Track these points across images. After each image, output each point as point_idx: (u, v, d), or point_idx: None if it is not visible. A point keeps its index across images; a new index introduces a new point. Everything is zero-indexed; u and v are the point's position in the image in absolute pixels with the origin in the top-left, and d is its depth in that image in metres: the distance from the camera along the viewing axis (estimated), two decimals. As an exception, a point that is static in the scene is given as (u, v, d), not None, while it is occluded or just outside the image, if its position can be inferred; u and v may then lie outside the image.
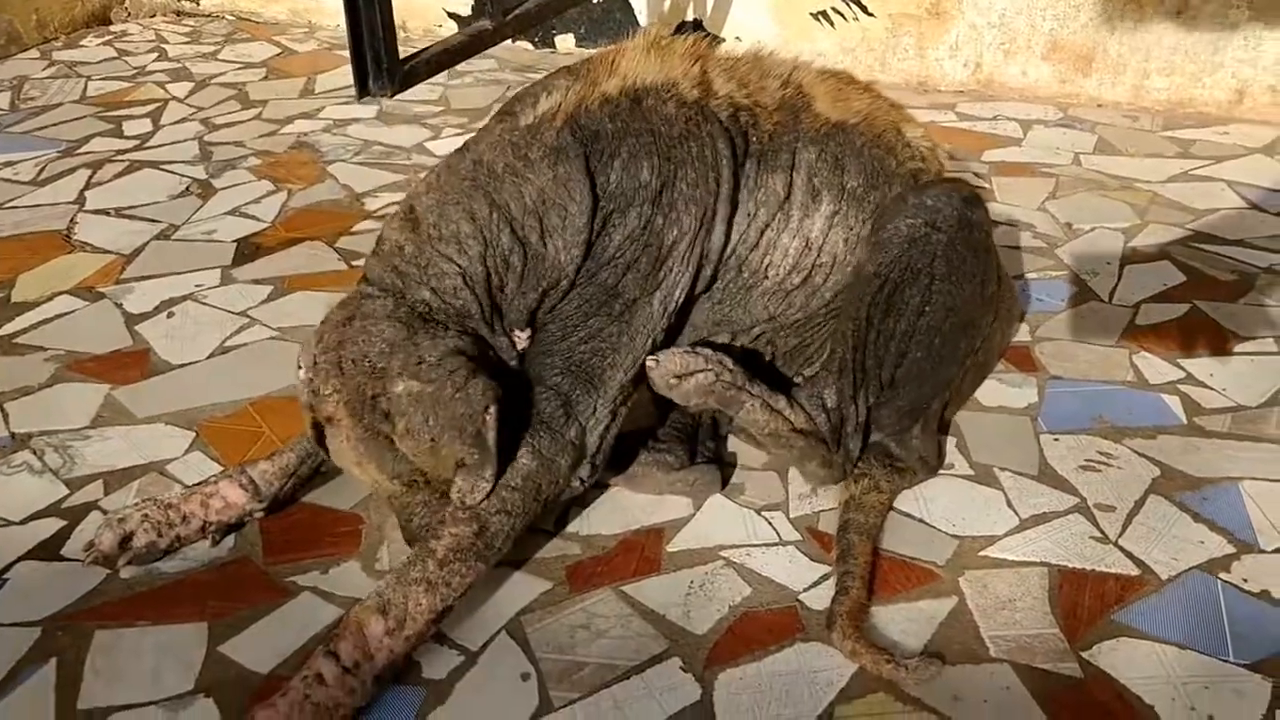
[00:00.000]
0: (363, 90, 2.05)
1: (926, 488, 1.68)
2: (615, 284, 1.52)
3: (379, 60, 2.01)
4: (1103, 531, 1.59)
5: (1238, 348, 2.01)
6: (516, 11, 2.33)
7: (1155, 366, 1.96)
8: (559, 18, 3.25)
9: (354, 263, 2.32)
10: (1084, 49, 2.97)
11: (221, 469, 1.73)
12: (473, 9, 3.54)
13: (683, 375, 1.53)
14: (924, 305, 1.58)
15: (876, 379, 1.62)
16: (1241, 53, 2.84)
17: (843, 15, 3.15)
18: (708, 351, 1.55)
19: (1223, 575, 1.52)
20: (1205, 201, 2.51)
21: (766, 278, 1.65)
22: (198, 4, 3.93)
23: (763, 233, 1.63)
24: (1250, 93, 2.87)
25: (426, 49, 2.17)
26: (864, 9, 3.14)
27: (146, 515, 1.55)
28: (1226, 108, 2.90)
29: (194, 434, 1.83)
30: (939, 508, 1.64)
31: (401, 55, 2.09)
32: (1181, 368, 1.96)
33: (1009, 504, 1.65)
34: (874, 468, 1.64)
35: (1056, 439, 1.79)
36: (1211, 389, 1.90)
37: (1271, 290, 2.17)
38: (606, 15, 3.23)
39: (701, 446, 1.71)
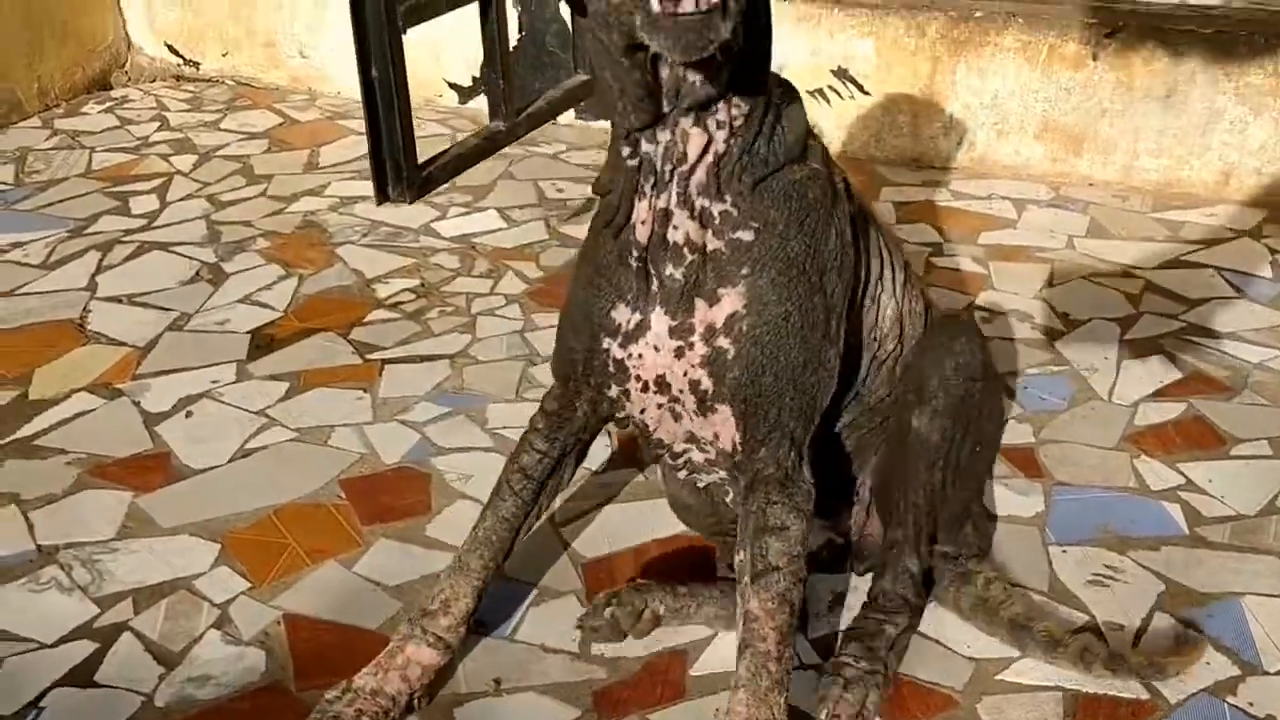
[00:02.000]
0: (382, 197, 2.09)
1: (941, 605, 1.72)
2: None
3: (399, 169, 2.06)
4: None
5: (1234, 450, 2.07)
6: (529, 110, 2.38)
7: (1156, 471, 2.02)
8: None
9: (368, 356, 2.36)
10: (1075, 130, 3.04)
11: (249, 585, 1.77)
12: (473, 80, 3.58)
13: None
14: (974, 446, 1.64)
15: (948, 515, 1.66)
16: (1228, 136, 2.92)
17: (839, 93, 3.21)
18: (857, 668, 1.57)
19: (1229, 699, 1.57)
20: (1197, 290, 2.57)
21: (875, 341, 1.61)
22: (197, 69, 3.96)
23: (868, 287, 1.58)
24: (1237, 175, 2.94)
25: (443, 153, 2.22)
26: (860, 87, 3.20)
27: (361, 711, 1.50)
28: (1214, 189, 2.97)
29: (219, 546, 1.86)
30: (953, 627, 1.69)
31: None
32: (1181, 472, 2.02)
33: (1021, 623, 1.70)
34: (969, 571, 1.69)
35: (1064, 551, 1.84)
36: (1211, 496, 1.96)
37: (1264, 388, 2.23)
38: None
39: None
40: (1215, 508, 1.94)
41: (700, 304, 1.35)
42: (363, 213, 2.97)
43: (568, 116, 3.49)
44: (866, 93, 3.20)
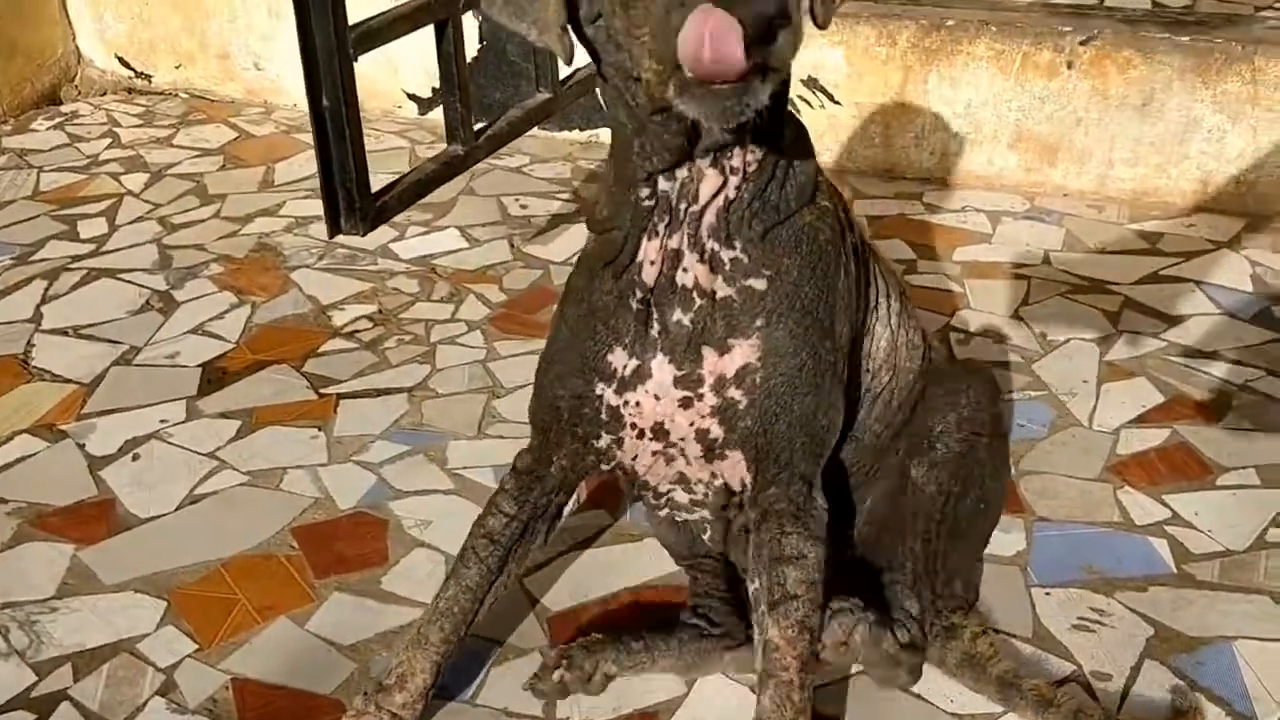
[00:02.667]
0: (334, 229, 2.00)
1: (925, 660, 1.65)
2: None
3: (351, 200, 1.97)
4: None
5: (1220, 480, 2.01)
6: (489, 133, 2.29)
7: (1140, 504, 1.95)
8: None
9: (323, 390, 2.27)
10: (1050, 139, 2.97)
11: (196, 646, 1.68)
12: (433, 91, 3.49)
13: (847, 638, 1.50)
14: (977, 504, 1.61)
15: (943, 570, 1.61)
16: (1206, 145, 2.85)
17: (809, 103, 3.13)
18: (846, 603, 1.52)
19: (1223, 755, 1.51)
20: (1177, 306, 2.51)
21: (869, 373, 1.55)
22: (150, 82, 3.84)
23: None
24: (1214, 183, 2.88)
25: (399, 181, 2.13)
26: (830, 97, 3.12)
27: None
28: (1192, 199, 2.91)
29: (165, 603, 1.77)
30: (936, 682, 1.62)
31: (374, 184, 2.05)
32: (1166, 505, 1.95)
33: (1005, 675, 1.63)
34: (955, 624, 1.62)
35: (1048, 593, 1.77)
36: (1198, 530, 1.90)
37: (1249, 411, 2.17)
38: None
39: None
40: (1203, 543, 1.87)
41: (709, 353, 1.28)
42: (318, 234, 2.87)
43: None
44: (837, 102, 3.13)
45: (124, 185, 3.17)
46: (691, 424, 1.32)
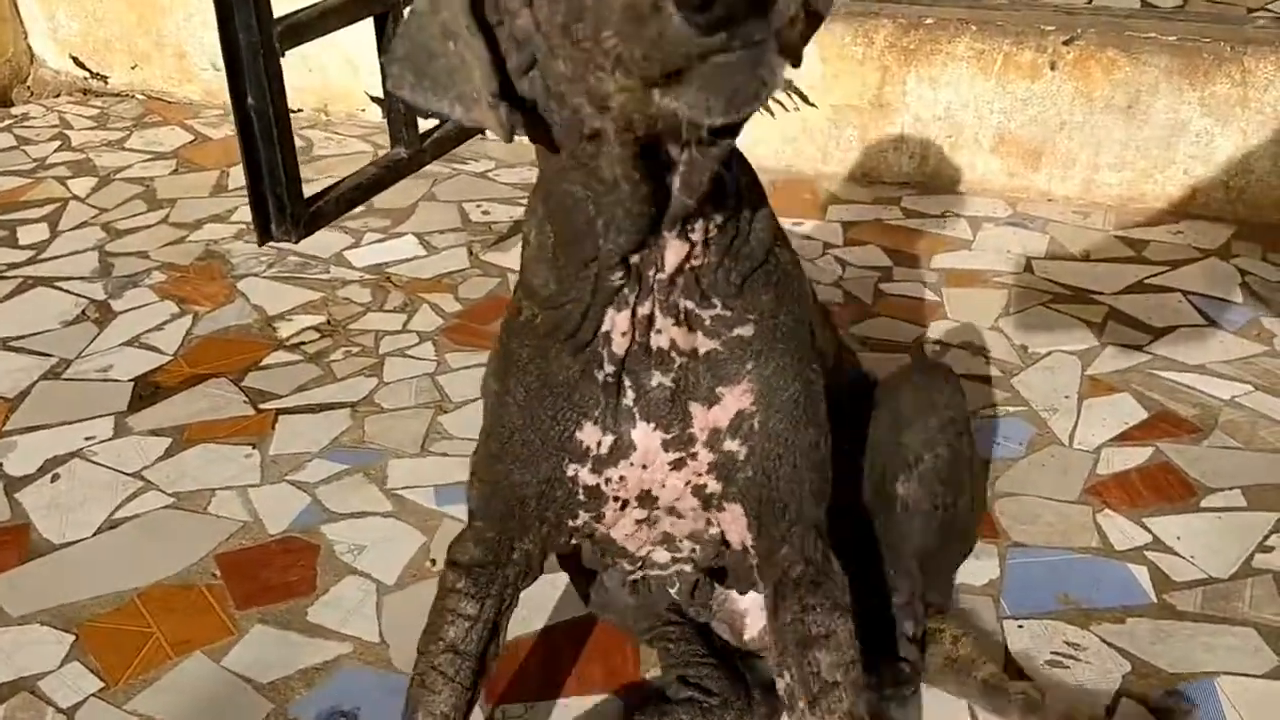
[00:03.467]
0: (265, 237, 1.89)
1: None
2: None
3: (281, 206, 1.86)
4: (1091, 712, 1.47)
5: (1204, 502, 1.89)
6: (435, 136, 2.17)
7: (1120, 528, 1.84)
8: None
9: (261, 405, 2.15)
10: (1032, 143, 2.86)
11: (102, 685, 1.56)
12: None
13: None
14: (970, 501, 1.54)
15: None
16: (1193, 149, 2.74)
17: (783, 105, 3.01)
18: None
19: (1205, 807, 1.39)
20: (1162, 318, 2.39)
21: None
22: (105, 83, 3.73)
23: None
24: (1202, 189, 2.77)
25: (336, 185, 2.01)
26: (804, 99, 3.00)
27: None
28: (1179, 204, 2.80)
29: (73, 638, 1.65)
30: (900, 723, 1.50)
31: (310, 192, 1.94)
32: (1147, 529, 1.83)
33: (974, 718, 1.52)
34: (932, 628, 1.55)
35: (1020, 625, 1.65)
36: (1180, 556, 1.78)
37: (1235, 429, 2.06)
38: (536, 103, 3.09)
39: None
40: (1185, 570, 1.76)
41: (697, 408, 1.14)
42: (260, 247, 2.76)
43: (497, 131, 3.29)
44: (812, 104, 2.99)
45: (70, 189, 3.05)
46: (687, 483, 1.18)
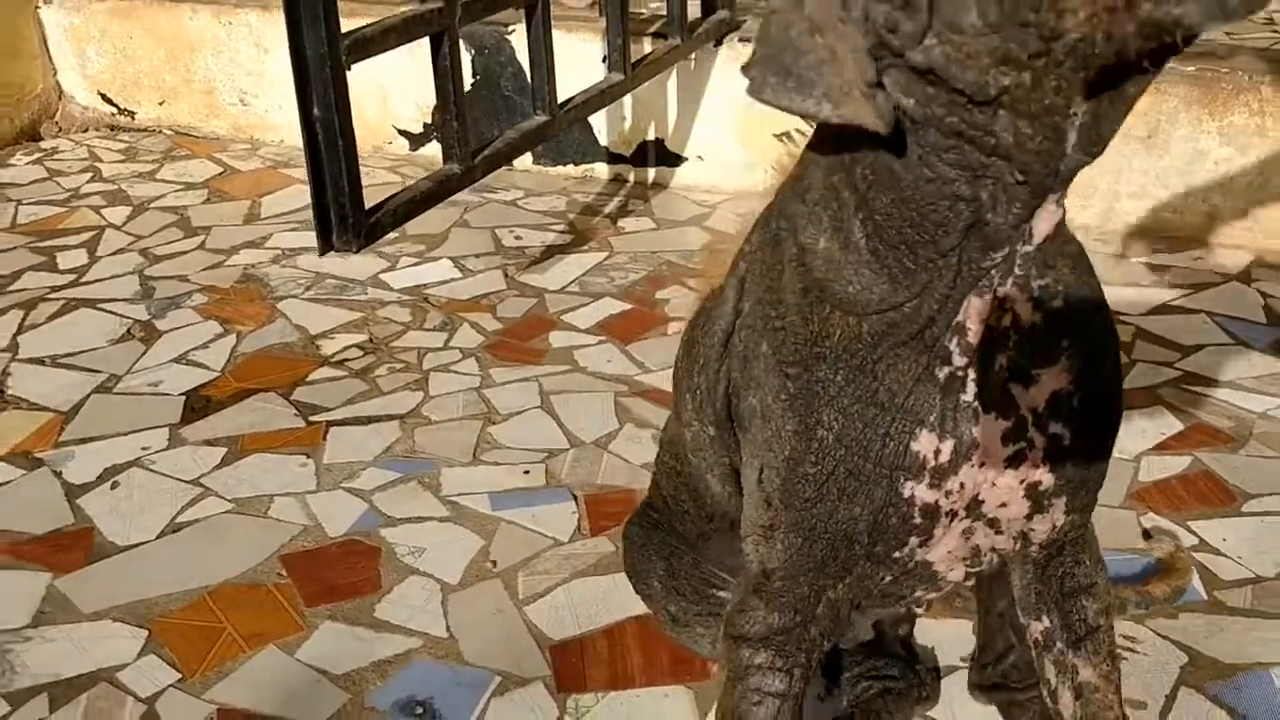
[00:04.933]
0: (326, 246, 1.93)
1: (948, 694, 1.56)
2: None
3: (343, 215, 1.90)
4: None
5: (1245, 506, 1.94)
6: (485, 153, 2.22)
7: (1165, 529, 1.88)
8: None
9: (311, 418, 2.18)
10: (1053, 172, 2.92)
11: (179, 676, 1.58)
12: (424, 127, 3.44)
13: None
14: None
15: None
16: (1213, 177, 2.81)
17: (804, 135, 3.08)
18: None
19: (1272, 786, 1.42)
20: (1190, 337, 2.45)
21: None
22: (133, 119, 3.78)
23: None
24: (1222, 217, 2.84)
25: (393, 198, 2.06)
26: (828, 130, 3.07)
27: None
28: (1199, 232, 2.86)
29: (146, 632, 1.67)
30: (966, 712, 1.53)
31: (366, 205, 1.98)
32: (1194, 532, 1.88)
33: (1037, 704, 1.54)
34: None
35: (1076, 621, 1.69)
36: (1227, 557, 1.82)
37: (1271, 439, 2.10)
38: (566, 134, 3.14)
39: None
40: (1233, 569, 1.79)
41: (1018, 391, 1.04)
42: (306, 265, 2.80)
43: (524, 161, 3.35)
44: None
45: (105, 218, 3.09)
46: (1021, 481, 1.09)
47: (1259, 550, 1.83)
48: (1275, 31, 4.01)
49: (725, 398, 1.18)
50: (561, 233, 2.99)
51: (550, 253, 2.87)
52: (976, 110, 0.84)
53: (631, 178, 3.33)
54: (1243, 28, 4.03)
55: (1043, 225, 0.93)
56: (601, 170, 3.35)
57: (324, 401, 2.24)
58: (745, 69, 0.90)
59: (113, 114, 3.80)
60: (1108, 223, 2.93)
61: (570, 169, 3.37)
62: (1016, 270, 0.96)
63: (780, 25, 0.87)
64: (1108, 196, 2.90)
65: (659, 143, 3.26)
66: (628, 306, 2.59)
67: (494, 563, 1.81)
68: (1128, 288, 2.67)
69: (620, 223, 3.06)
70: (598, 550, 1.84)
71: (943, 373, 1.01)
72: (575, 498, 1.96)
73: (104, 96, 3.80)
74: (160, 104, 3.74)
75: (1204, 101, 2.76)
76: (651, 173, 3.31)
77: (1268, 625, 1.68)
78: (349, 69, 1.86)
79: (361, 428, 2.16)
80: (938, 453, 1.03)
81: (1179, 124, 2.79)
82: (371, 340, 2.46)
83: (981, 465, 1.04)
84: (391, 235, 2.74)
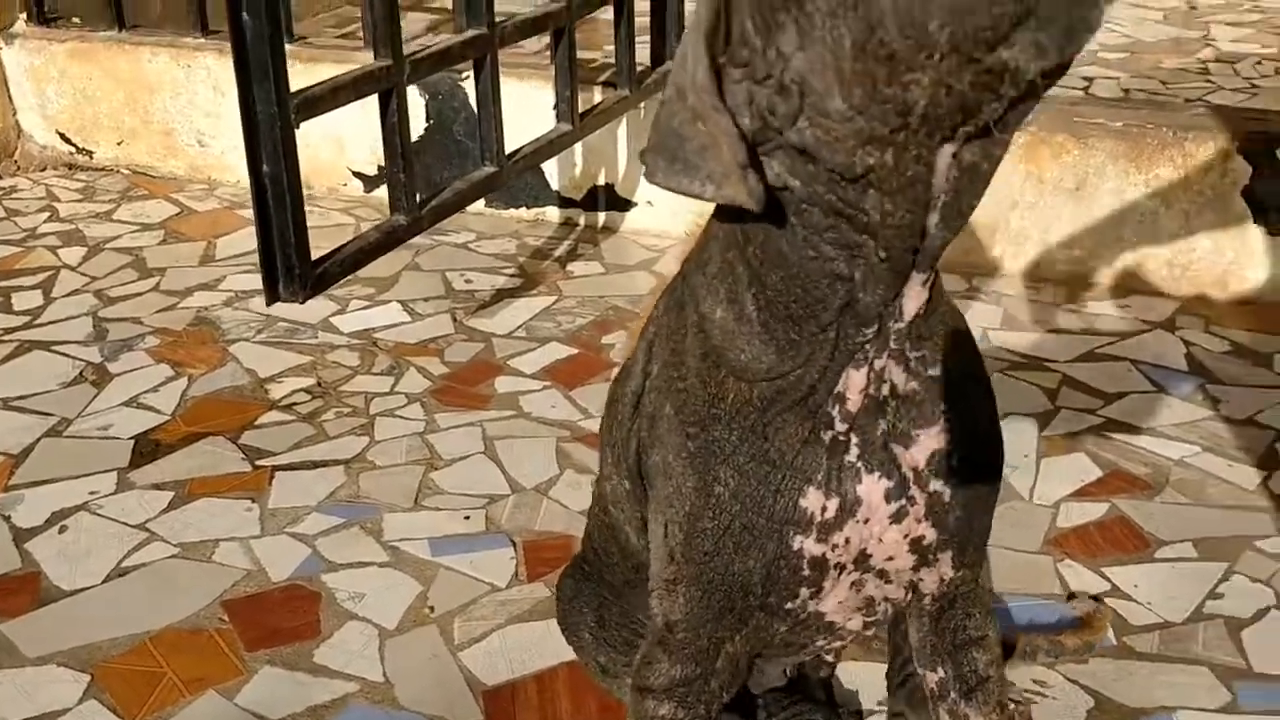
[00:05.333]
0: (273, 297, 1.98)
1: None
2: None
3: (290, 267, 1.95)
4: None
5: (1159, 553, 2.02)
6: (433, 204, 2.29)
7: (1081, 576, 1.95)
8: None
9: (258, 462, 2.23)
10: (987, 221, 3.02)
11: (119, 721, 1.63)
12: (378, 169, 3.50)
13: None
14: None
15: None
16: (1139, 228, 2.91)
17: (751, 183, 3.16)
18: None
19: (1166, 827, 1.49)
20: (1114, 384, 2.54)
21: None
22: (91, 158, 3.82)
23: None
24: (1148, 266, 2.94)
25: (340, 249, 2.12)
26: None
27: None
28: (1126, 281, 2.96)
29: (89, 677, 1.71)
30: None
31: (314, 255, 2.04)
32: (1106, 577, 1.95)
33: (947, 747, 1.61)
34: None
35: (989, 665, 1.76)
36: (1138, 603, 1.90)
37: (1186, 486, 2.19)
38: (519, 179, 3.21)
39: None
40: (1142, 615, 1.87)
41: (899, 451, 1.12)
42: (259, 308, 2.85)
43: (477, 205, 3.41)
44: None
45: (61, 259, 3.13)
46: (905, 535, 1.15)
47: (1169, 596, 1.91)
48: (1210, 82, 4.13)
49: (636, 455, 1.25)
50: (512, 276, 3.06)
51: (500, 296, 2.93)
52: (850, 187, 0.90)
53: (582, 222, 3.40)
54: (1178, 77, 4.16)
55: (911, 304, 1.01)
56: (553, 214, 3.42)
57: (271, 446, 2.29)
58: (641, 155, 0.99)
59: (71, 153, 3.84)
60: (1039, 271, 3.02)
61: (523, 212, 3.44)
62: (891, 344, 1.05)
63: (668, 115, 0.95)
64: (1039, 246, 3.00)
65: (609, 188, 3.34)
66: (574, 351, 2.66)
67: (432, 608, 1.87)
68: (1056, 335, 2.76)
69: (569, 267, 3.13)
70: (534, 596, 1.89)
71: (827, 435, 1.08)
72: (514, 544, 2.01)
73: (63, 136, 3.84)
74: (119, 144, 3.79)
75: (1130, 155, 2.86)
76: (602, 217, 3.38)
77: (1173, 670, 1.76)
78: (298, 127, 1.92)
79: (307, 472, 2.21)
80: (824, 509, 1.10)
81: (1106, 177, 2.89)
82: (320, 384, 2.52)
83: (866, 521, 1.11)
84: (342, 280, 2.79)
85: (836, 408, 1.07)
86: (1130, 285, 2.96)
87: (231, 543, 2.01)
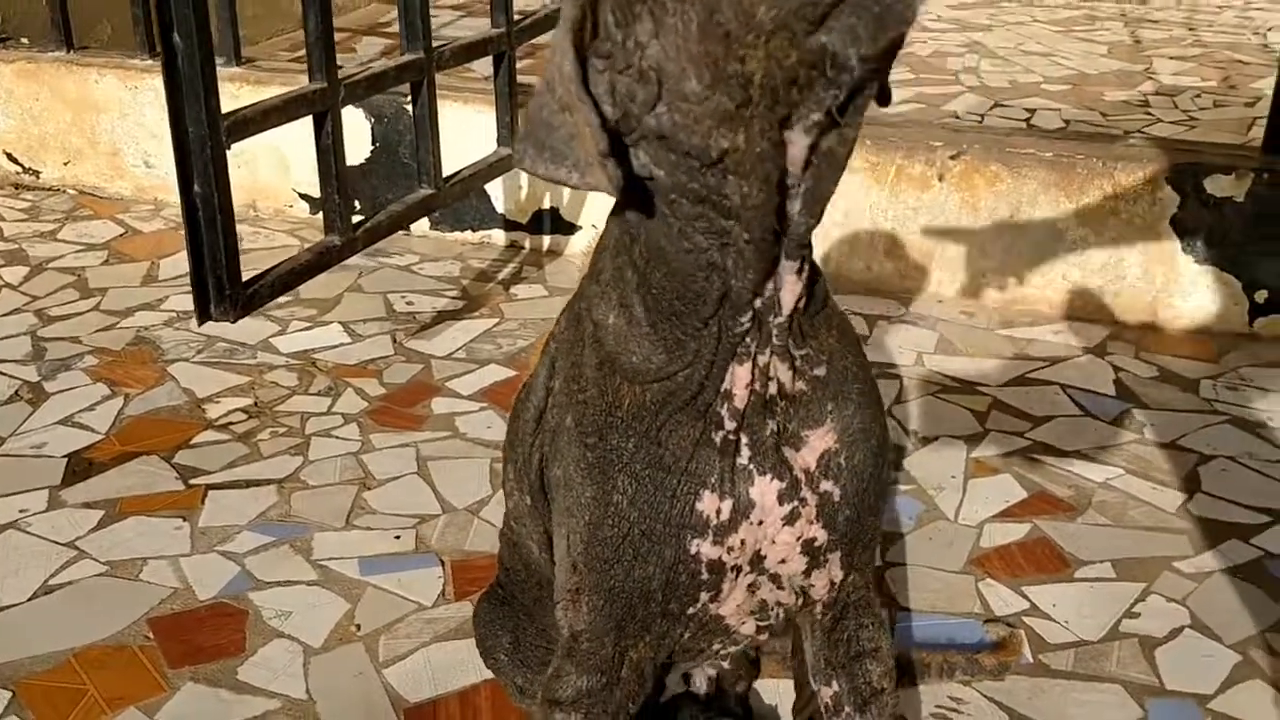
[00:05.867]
0: (204, 317, 2.00)
1: (779, 747, 1.66)
2: None
3: (221, 287, 1.97)
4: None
5: (1078, 573, 2.06)
6: (367, 225, 2.31)
7: (1000, 595, 1.99)
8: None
9: (191, 481, 2.24)
10: (924, 248, 3.07)
11: (38, 738, 1.63)
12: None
13: None
14: None
15: None
16: (1070, 256, 2.97)
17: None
18: None
19: (1071, 840, 1.52)
20: (1042, 408, 2.58)
21: None
22: (38, 178, 3.82)
23: None
24: (1079, 293, 2.99)
25: (271, 270, 2.13)
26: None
27: None
28: (1058, 306, 3.01)
29: (10, 694, 1.71)
30: (791, 769, 1.62)
31: (246, 275, 2.05)
32: (1025, 596, 1.99)
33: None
34: None
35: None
36: (1055, 621, 1.93)
37: (1107, 508, 2.23)
38: (464, 201, 3.23)
39: None
40: (1059, 634, 1.91)
41: (790, 454, 1.15)
42: (199, 328, 2.85)
43: (421, 227, 3.44)
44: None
45: (2, 278, 3.13)
46: (798, 537, 1.17)
47: (1084, 615, 1.95)
48: (1149, 114, 4.21)
49: (539, 470, 1.28)
50: (454, 299, 3.08)
51: (441, 318, 2.95)
52: (709, 173, 0.95)
53: (527, 245, 3.43)
54: (1118, 110, 4.24)
55: (788, 296, 1.06)
56: (498, 237, 3.45)
57: (205, 465, 2.30)
58: (514, 142, 1.05)
59: (18, 173, 3.84)
60: (973, 296, 3.07)
61: (468, 235, 3.46)
62: (774, 340, 1.09)
63: (538, 105, 1.01)
64: (973, 272, 3.05)
65: (554, 211, 3.37)
66: (512, 373, 2.68)
67: (358, 626, 1.88)
68: (989, 359, 2.81)
69: (513, 289, 3.15)
70: (460, 615, 1.91)
71: (718, 436, 1.11)
72: (443, 563, 2.03)
73: (9, 155, 3.83)
74: (65, 164, 3.79)
75: (1061, 185, 2.92)
76: (546, 240, 3.41)
77: (1085, 688, 1.79)
78: (229, 148, 1.94)
79: (240, 491, 2.22)
80: (719, 511, 1.13)
81: (1039, 205, 2.95)
82: (256, 404, 2.52)
83: (760, 523, 1.14)
84: (284, 299, 2.80)
85: (725, 405, 1.10)
86: (1062, 311, 3.01)
87: (160, 561, 2.02)
